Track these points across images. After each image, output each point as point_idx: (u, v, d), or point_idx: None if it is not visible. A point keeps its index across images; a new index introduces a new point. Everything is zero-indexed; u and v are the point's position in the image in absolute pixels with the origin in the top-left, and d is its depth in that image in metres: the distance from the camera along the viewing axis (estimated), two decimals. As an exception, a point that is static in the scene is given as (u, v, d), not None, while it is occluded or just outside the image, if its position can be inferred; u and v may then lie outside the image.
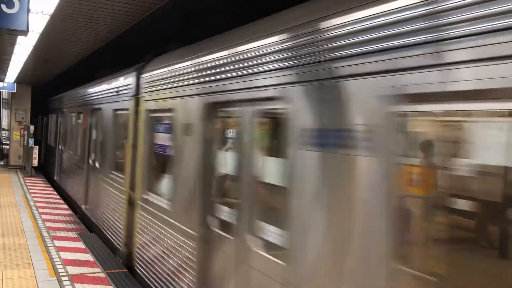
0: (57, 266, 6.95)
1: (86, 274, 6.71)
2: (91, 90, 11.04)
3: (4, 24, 5.37)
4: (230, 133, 4.57)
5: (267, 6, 4.61)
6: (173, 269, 5.33)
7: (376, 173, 2.57)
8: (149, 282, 6.08)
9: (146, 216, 6.41)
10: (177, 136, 5.46)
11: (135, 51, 10.46)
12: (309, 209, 3.12)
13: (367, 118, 2.66)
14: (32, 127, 18.32)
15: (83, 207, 10.68)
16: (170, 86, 5.76)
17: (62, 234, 9.07)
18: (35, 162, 17.83)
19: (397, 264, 2.48)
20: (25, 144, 18.64)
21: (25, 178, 17.01)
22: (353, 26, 2.84)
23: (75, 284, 6.24)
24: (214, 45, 4.81)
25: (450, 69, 2.23)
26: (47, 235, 8.84)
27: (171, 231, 5.47)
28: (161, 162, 6.40)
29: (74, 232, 9.30)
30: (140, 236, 6.63)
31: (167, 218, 5.61)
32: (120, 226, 7.70)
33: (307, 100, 3.20)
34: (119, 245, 7.68)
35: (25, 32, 5.73)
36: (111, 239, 8.23)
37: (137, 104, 7.16)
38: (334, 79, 2.95)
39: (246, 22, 4.57)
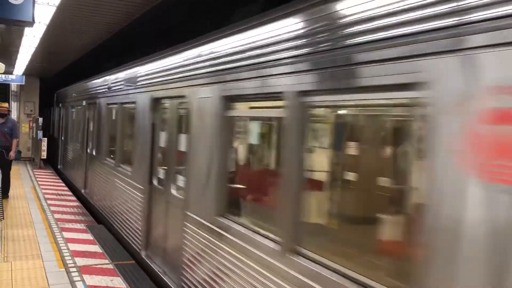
0: (66, 258, 6.98)
1: (94, 266, 6.73)
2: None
3: (10, 15, 5.35)
4: None
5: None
6: None
7: None
8: None
9: None
10: None
11: (142, 42, 10.43)
12: None
13: None
14: (40, 120, 18.41)
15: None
16: None
17: (70, 225, 9.11)
18: (43, 154, 17.93)
19: None
20: (34, 136, 18.74)
21: (34, 170, 17.13)
22: None
23: (84, 275, 6.27)
24: None
25: None
26: (56, 226, 8.89)
27: None
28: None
29: (83, 224, 9.34)
30: None
31: None
32: None
33: None
34: None
35: (31, 23, 5.70)
36: None
37: None
38: None
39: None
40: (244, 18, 4.49)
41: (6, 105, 11.65)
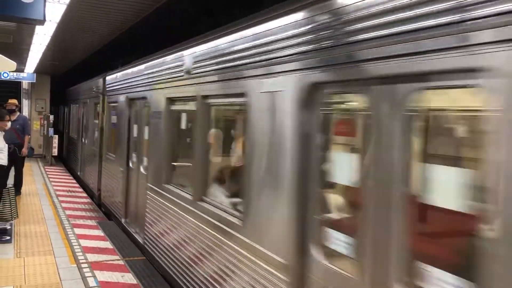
0: (77, 254, 7.05)
1: (106, 262, 6.79)
2: None
3: (21, 13, 5.40)
4: None
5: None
6: None
7: None
8: None
9: None
10: None
11: (152, 39, 10.45)
12: None
13: None
14: (51, 117, 18.57)
15: None
16: None
17: (81, 222, 9.19)
18: (55, 151, 18.10)
19: None
20: (45, 133, 18.91)
21: (46, 167, 17.29)
22: None
23: (95, 271, 6.32)
24: None
25: None
26: (67, 223, 8.97)
27: None
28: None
29: (93, 220, 9.41)
30: None
31: None
32: None
33: None
34: None
35: (42, 22, 5.75)
36: None
37: None
38: None
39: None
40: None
41: (13, 101, 11.63)
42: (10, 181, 10.82)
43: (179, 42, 6.22)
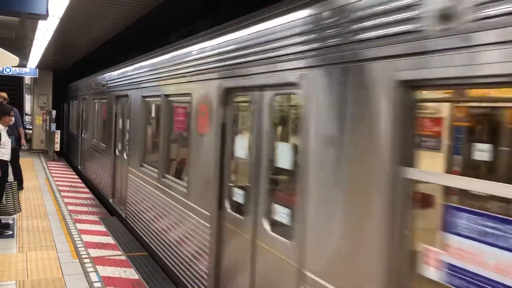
0: (79, 249, 7.06)
1: (108, 257, 6.81)
2: None
3: (24, 8, 5.39)
4: None
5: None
6: None
7: None
8: None
9: None
10: None
11: (155, 35, 10.44)
12: None
13: None
14: (54, 112, 18.58)
15: None
16: None
17: (84, 217, 9.21)
18: (57, 147, 18.12)
19: None
20: (47, 129, 18.93)
21: (48, 162, 17.31)
22: None
23: (97, 266, 6.34)
24: None
25: None
26: (70, 218, 8.99)
27: None
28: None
29: (96, 216, 9.43)
30: None
31: None
32: None
33: None
34: None
35: (44, 16, 5.74)
36: None
37: None
38: None
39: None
40: None
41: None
42: (9, 177, 10.85)
43: (186, 37, 6.31)
